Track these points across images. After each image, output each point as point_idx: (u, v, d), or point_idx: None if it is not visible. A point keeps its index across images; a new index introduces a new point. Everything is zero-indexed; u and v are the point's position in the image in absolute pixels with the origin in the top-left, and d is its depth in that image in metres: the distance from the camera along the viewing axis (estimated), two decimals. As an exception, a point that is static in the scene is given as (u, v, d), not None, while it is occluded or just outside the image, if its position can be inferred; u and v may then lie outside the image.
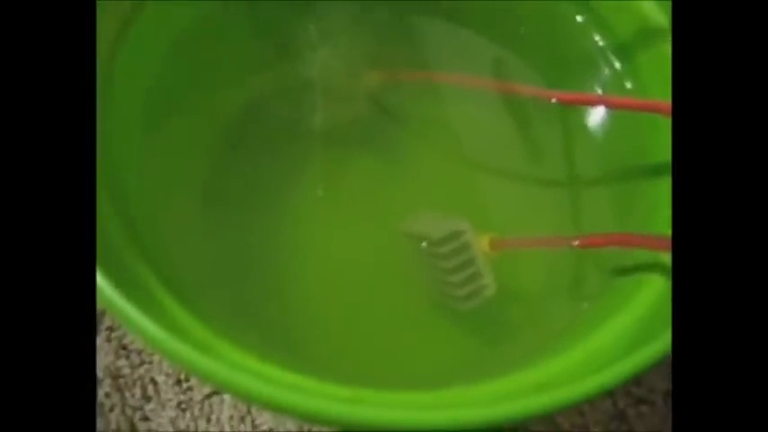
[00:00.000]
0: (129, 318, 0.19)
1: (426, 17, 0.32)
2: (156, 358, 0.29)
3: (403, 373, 0.26)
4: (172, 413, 0.28)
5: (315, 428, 0.28)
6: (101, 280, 0.20)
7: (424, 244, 0.27)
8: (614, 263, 0.27)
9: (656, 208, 0.27)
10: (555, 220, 0.29)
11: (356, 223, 0.29)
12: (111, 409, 0.28)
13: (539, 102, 0.30)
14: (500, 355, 0.27)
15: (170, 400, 0.28)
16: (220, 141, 0.30)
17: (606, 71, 0.31)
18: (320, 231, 0.29)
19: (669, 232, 0.25)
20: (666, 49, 0.28)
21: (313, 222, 0.29)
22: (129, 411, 0.28)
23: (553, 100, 0.29)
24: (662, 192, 0.27)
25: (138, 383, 0.28)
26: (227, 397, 0.28)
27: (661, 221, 0.26)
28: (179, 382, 0.28)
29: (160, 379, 0.28)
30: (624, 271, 0.26)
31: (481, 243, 0.26)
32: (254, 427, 0.28)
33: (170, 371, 0.28)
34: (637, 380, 0.29)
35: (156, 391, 0.28)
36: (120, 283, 0.20)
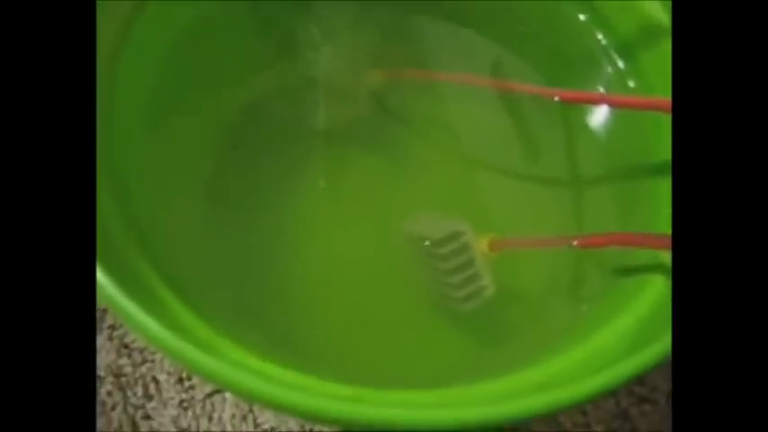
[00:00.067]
0: (131, 316, 0.19)
1: (427, 17, 0.32)
2: (157, 357, 0.29)
3: (403, 372, 0.26)
4: (173, 412, 0.28)
5: (316, 428, 0.28)
6: (103, 278, 0.20)
7: (427, 243, 0.27)
8: (616, 263, 0.27)
9: (658, 207, 0.27)
10: (557, 219, 0.29)
11: (358, 222, 0.29)
12: (113, 408, 0.28)
13: (541, 101, 0.30)
14: (500, 356, 0.27)
15: (172, 398, 0.28)
16: (222, 140, 0.30)
17: (609, 70, 0.31)
18: (322, 231, 0.29)
19: (671, 231, 0.24)
20: (669, 47, 0.28)
21: (314, 222, 0.29)
22: (130, 410, 0.28)
23: (555, 98, 0.29)
24: (664, 190, 0.27)
25: (140, 382, 0.28)
26: (228, 396, 0.28)
27: (663, 220, 0.26)
28: (181, 380, 0.28)
29: (162, 378, 0.28)
30: (626, 271, 0.26)
31: (480, 244, 0.26)
32: (256, 425, 0.28)
33: (172, 369, 0.29)
34: (639, 379, 0.29)
35: (158, 390, 0.28)
36: (123, 281, 0.20)
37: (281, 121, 0.30)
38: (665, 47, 0.28)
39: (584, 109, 0.31)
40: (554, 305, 0.28)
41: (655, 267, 0.25)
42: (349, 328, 0.27)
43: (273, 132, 0.30)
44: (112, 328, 0.29)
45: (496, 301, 0.27)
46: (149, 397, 0.28)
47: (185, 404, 0.28)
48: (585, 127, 0.30)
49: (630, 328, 0.23)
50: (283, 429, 0.28)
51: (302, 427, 0.28)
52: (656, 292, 0.24)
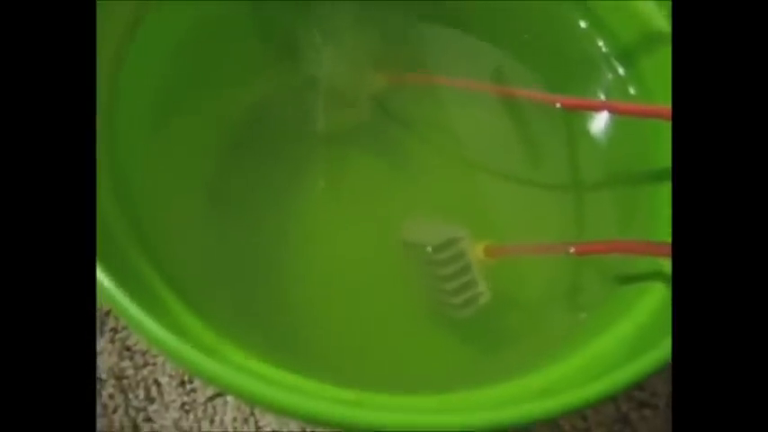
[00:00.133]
0: (134, 319, 0.20)
1: (429, 21, 0.32)
2: (159, 359, 0.29)
3: (403, 377, 0.26)
4: (175, 414, 0.28)
5: (318, 431, 0.28)
6: (106, 280, 0.20)
7: (424, 249, 0.27)
8: (615, 270, 0.27)
9: (658, 213, 0.27)
10: (558, 225, 0.30)
11: (358, 225, 0.29)
12: (115, 411, 0.28)
13: (542, 106, 0.30)
14: (500, 362, 0.27)
15: (173, 401, 0.28)
16: (225, 141, 0.30)
17: (610, 76, 0.31)
18: (322, 233, 0.29)
19: (671, 237, 0.25)
20: (669, 54, 0.28)
21: (315, 224, 0.29)
22: (132, 412, 0.28)
23: (557, 105, 0.29)
24: (665, 197, 0.27)
25: (142, 385, 0.28)
26: (230, 399, 0.28)
27: (664, 226, 0.26)
28: (183, 383, 0.28)
29: (164, 380, 0.28)
30: (625, 278, 0.26)
31: (476, 250, 0.26)
32: (258, 428, 0.28)
33: (174, 372, 0.29)
34: (639, 384, 0.29)
35: (160, 393, 0.28)
36: (125, 283, 0.20)
37: (282, 123, 0.30)
38: (666, 54, 0.28)
39: (585, 115, 0.31)
40: (553, 312, 0.28)
41: (654, 275, 0.25)
42: (349, 330, 0.27)
43: (275, 134, 0.30)
44: (114, 330, 0.29)
45: (495, 308, 0.27)
46: (151, 400, 0.28)
47: (187, 407, 0.28)
48: (586, 133, 0.30)
49: (630, 335, 0.23)
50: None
51: (303, 429, 0.28)
52: (655, 298, 0.24)
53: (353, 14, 0.31)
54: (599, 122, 0.31)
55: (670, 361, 0.19)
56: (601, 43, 0.31)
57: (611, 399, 0.28)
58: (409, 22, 0.32)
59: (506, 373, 0.23)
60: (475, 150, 0.31)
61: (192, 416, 0.28)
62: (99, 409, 0.28)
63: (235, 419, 0.28)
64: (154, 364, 0.29)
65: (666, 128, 0.26)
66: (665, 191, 0.27)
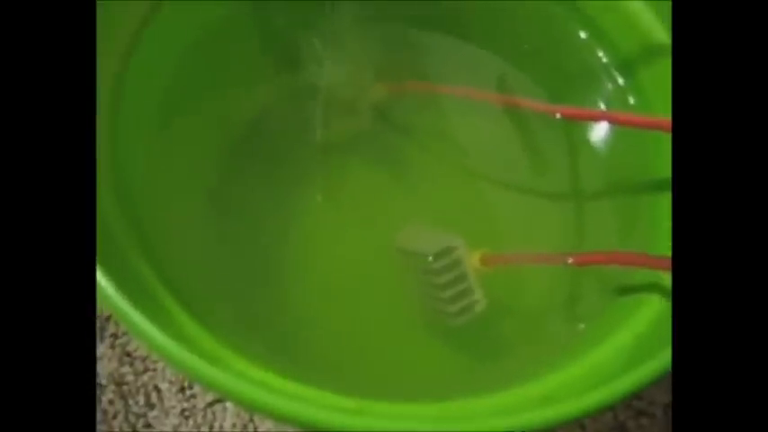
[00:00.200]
0: (136, 325, 0.20)
1: (430, 31, 0.32)
2: (159, 365, 0.29)
3: (402, 385, 0.26)
4: (175, 420, 0.28)
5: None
6: (107, 285, 0.20)
7: (420, 258, 0.27)
8: (614, 281, 0.27)
9: (658, 222, 0.27)
10: (558, 234, 0.30)
11: (358, 234, 0.29)
12: (115, 416, 0.28)
13: (542, 116, 0.30)
14: (498, 370, 0.27)
15: (173, 407, 0.28)
16: (228, 148, 0.30)
17: (609, 86, 0.31)
18: (321, 241, 0.29)
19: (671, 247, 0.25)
20: (669, 65, 0.28)
21: (315, 231, 0.29)
22: (132, 418, 0.28)
23: (557, 115, 0.29)
24: (665, 206, 0.27)
25: (142, 391, 0.28)
26: (229, 405, 0.28)
27: (664, 235, 0.26)
28: (182, 389, 0.28)
29: (164, 386, 0.29)
30: (623, 289, 0.26)
31: (472, 259, 0.27)
32: (257, 435, 0.28)
33: (174, 378, 0.29)
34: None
35: (160, 399, 0.28)
36: (126, 287, 0.20)
37: (283, 131, 0.30)
38: (665, 64, 0.29)
39: (585, 124, 0.31)
40: (551, 322, 0.28)
41: (652, 286, 0.25)
42: (347, 336, 0.27)
43: (276, 141, 0.30)
44: (115, 336, 0.29)
45: (492, 317, 0.27)
46: (151, 406, 0.28)
47: (187, 413, 0.28)
48: (587, 142, 0.31)
49: (628, 345, 0.23)
50: (283, 439, 0.28)
51: (302, 436, 0.28)
52: (653, 310, 0.24)
53: (355, 25, 0.31)
54: (599, 132, 0.31)
55: (669, 371, 0.19)
56: (601, 54, 0.31)
57: (610, 408, 0.28)
58: (410, 31, 0.32)
59: (505, 381, 0.23)
60: (475, 159, 0.31)
61: (191, 422, 0.28)
62: (99, 415, 0.28)
63: (234, 426, 0.28)
64: (154, 370, 0.29)
65: (667, 138, 0.26)
66: (665, 201, 0.27)
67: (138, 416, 0.28)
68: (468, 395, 0.22)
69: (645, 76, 0.30)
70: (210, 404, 0.28)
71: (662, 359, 0.19)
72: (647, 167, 0.29)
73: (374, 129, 0.31)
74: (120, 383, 0.28)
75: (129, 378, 0.29)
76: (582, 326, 0.27)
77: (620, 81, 0.31)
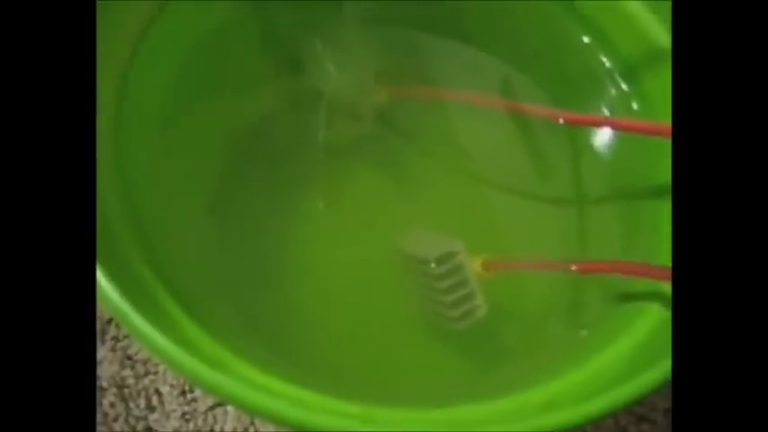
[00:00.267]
0: (137, 328, 0.20)
1: (433, 34, 0.32)
2: (160, 369, 0.29)
3: (404, 390, 0.26)
4: (176, 423, 0.28)
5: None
6: (108, 288, 0.20)
7: (421, 263, 0.27)
8: (616, 288, 0.27)
9: (662, 228, 0.27)
10: (560, 239, 0.30)
11: (360, 238, 0.29)
12: (116, 419, 0.28)
13: (545, 121, 0.30)
14: (500, 376, 0.27)
15: (174, 410, 0.28)
16: (230, 150, 0.30)
17: (613, 92, 0.31)
18: (324, 247, 0.29)
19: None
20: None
21: (316, 235, 0.29)
22: (132, 421, 0.28)
23: (560, 120, 0.29)
24: (667, 212, 0.27)
25: (143, 394, 0.28)
26: (230, 408, 0.28)
27: (666, 242, 0.26)
28: (183, 393, 0.28)
29: (165, 389, 0.29)
30: (625, 297, 0.26)
31: (474, 264, 0.26)
32: (257, 439, 0.28)
33: (174, 381, 0.29)
34: (639, 399, 0.29)
35: (161, 402, 0.28)
36: (128, 290, 0.20)
37: (286, 134, 0.30)
38: (669, 70, 0.29)
39: (588, 129, 0.31)
40: (553, 328, 0.28)
41: (653, 294, 0.25)
42: (348, 341, 0.27)
43: (278, 144, 0.30)
44: (116, 339, 0.29)
45: (494, 322, 0.27)
46: (152, 409, 0.28)
47: (187, 416, 0.28)
48: (590, 147, 0.31)
49: (629, 353, 0.23)
50: (284, 443, 0.28)
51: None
52: (654, 318, 0.24)
53: (358, 28, 0.31)
54: (602, 137, 0.31)
55: (670, 379, 0.19)
56: (604, 59, 0.31)
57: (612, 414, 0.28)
58: (412, 34, 0.32)
59: (507, 387, 0.23)
60: (477, 164, 0.31)
61: (192, 425, 0.28)
62: (99, 418, 0.28)
63: (235, 429, 0.28)
64: (155, 373, 0.29)
65: (669, 143, 0.26)
66: (667, 205, 0.27)
67: (138, 419, 0.28)
68: (470, 401, 0.22)
69: (649, 81, 0.30)
70: (211, 407, 0.28)
71: (663, 368, 0.19)
72: (650, 173, 0.28)
73: (376, 132, 0.31)
74: (121, 386, 0.28)
75: (130, 381, 0.29)
76: (584, 333, 0.27)
77: (624, 86, 0.31)
